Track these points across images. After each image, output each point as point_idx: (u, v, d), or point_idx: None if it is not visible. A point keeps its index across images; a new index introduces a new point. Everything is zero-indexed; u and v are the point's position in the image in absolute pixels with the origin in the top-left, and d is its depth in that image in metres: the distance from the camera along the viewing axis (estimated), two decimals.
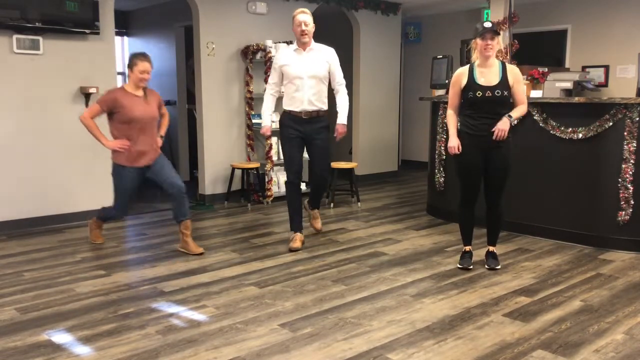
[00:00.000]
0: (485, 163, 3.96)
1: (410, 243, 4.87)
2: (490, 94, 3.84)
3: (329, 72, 4.59)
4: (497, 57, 3.97)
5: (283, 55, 4.64)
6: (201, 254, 4.49)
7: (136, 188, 4.52)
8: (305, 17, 4.45)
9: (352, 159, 8.06)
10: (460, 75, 3.95)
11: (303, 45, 4.52)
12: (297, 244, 4.61)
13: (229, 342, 2.90)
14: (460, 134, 3.99)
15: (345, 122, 4.64)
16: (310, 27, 4.47)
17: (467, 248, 4.23)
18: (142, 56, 4.35)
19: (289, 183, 4.68)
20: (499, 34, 3.85)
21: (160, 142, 4.56)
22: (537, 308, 3.38)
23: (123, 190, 4.47)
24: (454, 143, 3.96)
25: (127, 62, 4.39)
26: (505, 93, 3.85)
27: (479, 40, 3.83)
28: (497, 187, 4.00)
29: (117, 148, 4.34)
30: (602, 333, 3.03)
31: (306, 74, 4.49)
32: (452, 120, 4.02)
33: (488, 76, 3.87)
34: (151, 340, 2.93)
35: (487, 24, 3.81)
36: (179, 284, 3.81)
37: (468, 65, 3.98)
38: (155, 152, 4.49)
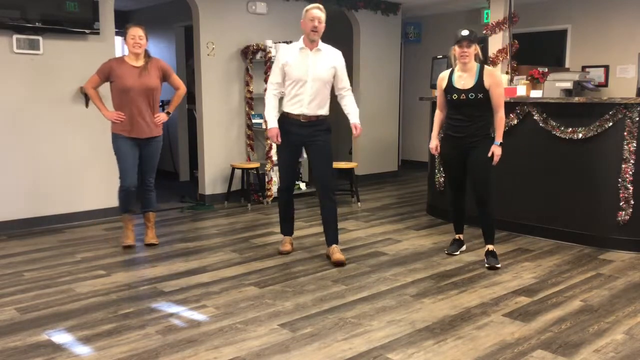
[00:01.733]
0: (465, 161, 4.20)
1: (410, 243, 4.87)
2: (465, 97, 4.06)
3: (334, 77, 4.27)
4: (484, 60, 4.17)
5: (286, 53, 4.26)
6: (151, 245, 4.71)
7: (136, 158, 4.54)
8: (319, 14, 4.15)
9: (352, 159, 8.06)
10: (442, 78, 4.24)
11: (310, 45, 4.19)
12: (286, 247, 4.55)
13: (229, 342, 2.90)
14: (443, 133, 4.30)
15: (358, 120, 4.31)
16: (323, 26, 4.17)
17: (457, 236, 4.57)
18: (132, 23, 4.46)
19: (281, 191, 4.51)
20: (474, 42, 4.02)
21: (163, 117, 4.56)
22: (537, 308, 3.38)
23: (122, 159, 4.51)
24: (432, 144, 4.36)
25: None
26: (480, 96, 4.05)
27: (456, 47, 4.05)
28: (479, 183, 4.14)
29: (113, 119, 4.43)
30: (602, 333, 3.03)
31: (310, 77, 4.16)
32: (436, 120, 4.36)
33: (465, 80, 4.09)
34: (151, 340, 2.93)
35: (464, 32, 4.00)
36: (179, 284, 3.81)
37: (450, 70, 4.22)
38: (151, 128, 4.50)
